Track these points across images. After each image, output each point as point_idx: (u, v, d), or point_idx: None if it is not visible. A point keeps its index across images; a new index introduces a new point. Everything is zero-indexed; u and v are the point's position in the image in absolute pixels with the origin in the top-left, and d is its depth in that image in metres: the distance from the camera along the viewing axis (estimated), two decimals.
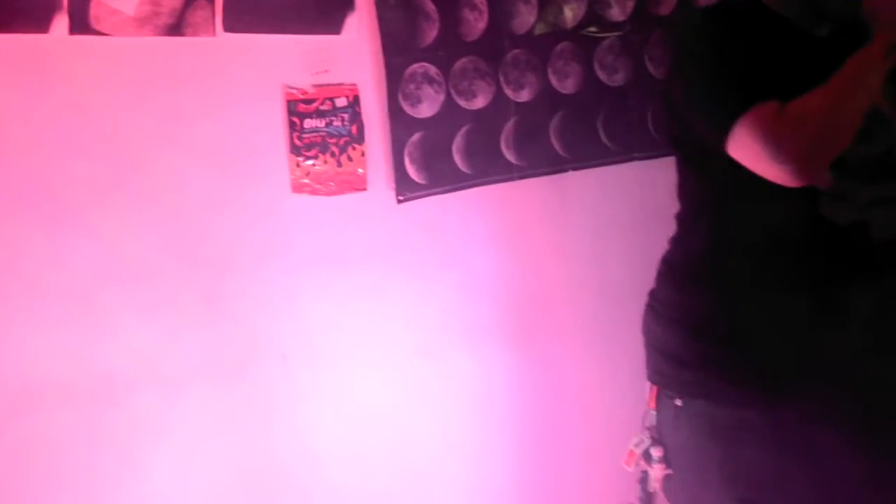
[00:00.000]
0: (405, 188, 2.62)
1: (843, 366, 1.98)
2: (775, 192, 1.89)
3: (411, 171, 2.61)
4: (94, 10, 2.22)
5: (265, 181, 2.48)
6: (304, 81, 2.48)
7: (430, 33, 2.61)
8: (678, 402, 2.05)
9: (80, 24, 2.21)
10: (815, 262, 1.98)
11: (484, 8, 2.67)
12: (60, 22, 2.20)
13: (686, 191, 2.12)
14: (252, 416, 2.52)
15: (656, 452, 2.10)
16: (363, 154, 2.57)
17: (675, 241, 2.15)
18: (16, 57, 2.19)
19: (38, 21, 2.18)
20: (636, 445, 2.12)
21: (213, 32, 2.35)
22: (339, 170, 2.56)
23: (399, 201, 2.61)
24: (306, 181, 2.52)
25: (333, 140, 2.54)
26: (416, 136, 2.61)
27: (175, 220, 2.39)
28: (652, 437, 2.11)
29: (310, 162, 2.51)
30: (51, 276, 2.29)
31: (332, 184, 2.54)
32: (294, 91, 2.49)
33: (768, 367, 1.99)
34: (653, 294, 2.18)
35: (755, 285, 2.01)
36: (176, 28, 2.31)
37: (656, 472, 2.10)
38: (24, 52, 2.19)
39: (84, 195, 2.30)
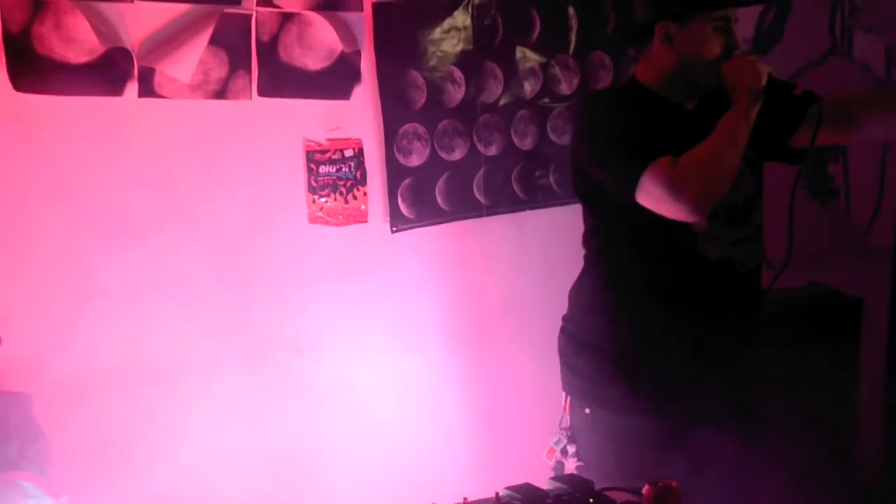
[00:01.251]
0: (398, 221, 2.84)
1: (718, 378, 2.21)
2: (661, 235, 2.11)
3: (403, 207, 2.84)
4: (157, 79, 2.46)
5: (288, 213, 2.70)
6: (320, 136, 2.71)
7: (420, 100, 2.84)
8: (587, 411, 2.25)
9: (147, 89, 2.46)
10: (694, 291, 2.19)
11: (462, 82, 2.89)
12: (132, 88, 2.44)
13: (589, 235, 2.29)
14: (272, 398, 2.70)
15: (571, 448, 2.28)
16: (365, 194, 2.78)
17: (581, 275, 2.32)
18: (97, 115, 2.43)
19: (114, 87, 2.43)
20: (556, 443, 2.28)
21: (250, 96, 2.58)
22: (346, 206, 2.76)
23: (393, 231, 2.83)
24: (320, 214, 2.73)
25: (342, 182, 2.74)
26: (407, 181, 2.84)
27: (214, 243, 2.60)
28: (568, 437, 2.28)
29: (323, 199, 2.73)
30: (114, 282, 2.48)
31: (340, 217, 2.75)
32: (312, 143, 2.71)
33: (658, 382, 2.20)
34: (564, 319, 2.33)
35: (645, 314, 2.19)
36: (221, 93, 2.55)
37: (570, 464, 2.26)
38: (103, 111, 2.43)
39: (143, 221, 2.51)
